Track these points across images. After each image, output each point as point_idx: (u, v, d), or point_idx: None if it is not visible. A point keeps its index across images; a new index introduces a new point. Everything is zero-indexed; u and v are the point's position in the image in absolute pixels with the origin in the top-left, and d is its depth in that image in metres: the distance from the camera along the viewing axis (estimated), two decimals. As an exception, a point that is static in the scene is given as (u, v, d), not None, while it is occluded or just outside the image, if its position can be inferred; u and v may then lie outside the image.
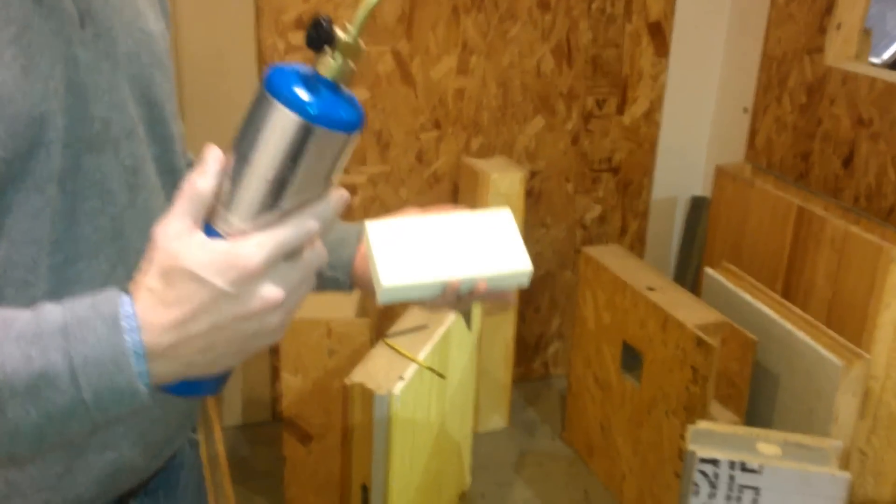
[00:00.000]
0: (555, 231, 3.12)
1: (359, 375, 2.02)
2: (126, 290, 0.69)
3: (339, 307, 2.47)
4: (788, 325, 2.35)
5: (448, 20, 2.73)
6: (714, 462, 1.93)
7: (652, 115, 3.09)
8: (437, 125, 2.84)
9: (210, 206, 0.69)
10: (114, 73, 0.83)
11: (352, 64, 0.69)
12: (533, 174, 2.99)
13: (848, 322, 2.34)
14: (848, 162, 2.56)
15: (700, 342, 2.24)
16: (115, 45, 0.83)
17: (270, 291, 0.67)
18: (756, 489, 1.93)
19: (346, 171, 2.77)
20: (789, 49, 2.77)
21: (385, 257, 0.93)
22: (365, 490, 2.04)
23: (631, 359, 2.56)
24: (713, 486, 1.95)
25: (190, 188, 0.68)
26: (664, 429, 2.39)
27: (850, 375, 2.21)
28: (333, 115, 0.67)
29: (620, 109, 3.05)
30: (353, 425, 2.01)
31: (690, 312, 2.35)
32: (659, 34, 3.00)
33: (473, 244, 0.97)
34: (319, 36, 0.68)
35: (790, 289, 2.57)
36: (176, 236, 0.67)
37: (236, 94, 2.57)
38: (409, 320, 2.27)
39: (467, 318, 2.46)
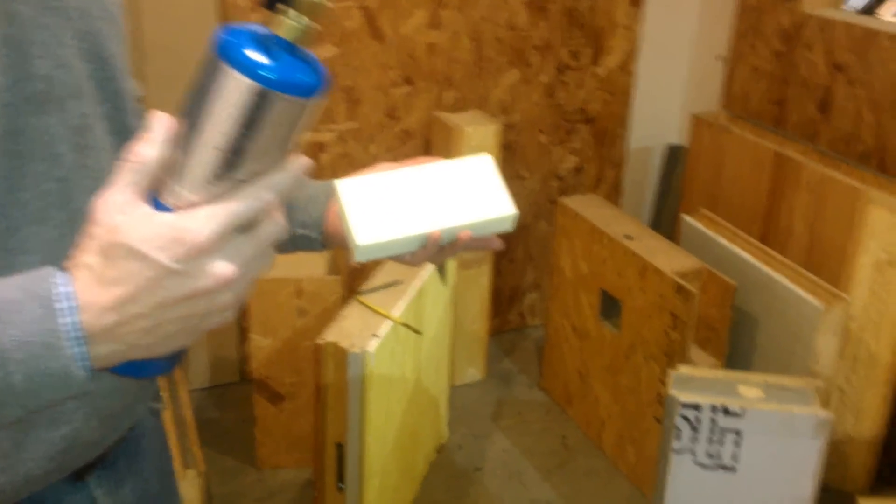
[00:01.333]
0: (530, 183, 3.09)
1: (332, 334, 1.99)
2: (64, 267, 0.64)
3: (310, 265, 2.43)
4: (767, 270, 2.35)
5: (419, -29, 2.68)
6: (696, 406, 1.93)
7: (627, 65, 3.07)
8: (409, 81, 2.80)
9: (156, 177, 0.64)
10: (60, 28, 0.78)
11: (313, 23, 0.64)
12: (508, 127, 2.96)
13: (826, 265, 2.33)
14: (825, 107, 2.55)
15: (679, 288, 2.23)
16: None
17: (221, 268, 0.63)
18: (738, 431, 1.92)
19: (315, 128, 2.72)
20: (765, -5, 2.75)
21: (359, 214, 0.89)
22: (340, 448, 2.02)
23: (609, 307, 2.55)
24: (695, 429, 1.95)
25: (134, 157, 0.63)
26: (643, 374, 2.39)
27: (830, 316, 2.21)
28: (291, 78, 0.62)
29: (595, 60, 3.02)
30: (327, 385, 1.98)
31: (669, 259, 2.34)
32: (633, -18, 2.97)
33: (452, 193, 0.93)
34: None
35: (768, 234, 2.56)
36: (117, 209, 0.62)
37: (196, 54, 2.50)
38: (382, 276, 2.24)
39: (442, 271, 2.44)
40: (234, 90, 0.61)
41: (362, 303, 2.13)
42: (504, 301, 3.22)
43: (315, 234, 1.01)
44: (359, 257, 0.90)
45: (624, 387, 2.49)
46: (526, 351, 3.17)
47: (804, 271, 2.31)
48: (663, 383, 2.26)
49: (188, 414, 2.22)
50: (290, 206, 0.98)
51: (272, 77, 0.61)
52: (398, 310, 2.11)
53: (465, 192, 0.93)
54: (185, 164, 0.63)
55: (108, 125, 0.85)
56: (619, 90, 3.09)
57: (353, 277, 2.74)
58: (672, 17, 3.08)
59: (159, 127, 0.63)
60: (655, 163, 3.29)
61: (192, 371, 2.86)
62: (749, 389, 1.96)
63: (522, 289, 3.25)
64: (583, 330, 2.66)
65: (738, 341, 2.46)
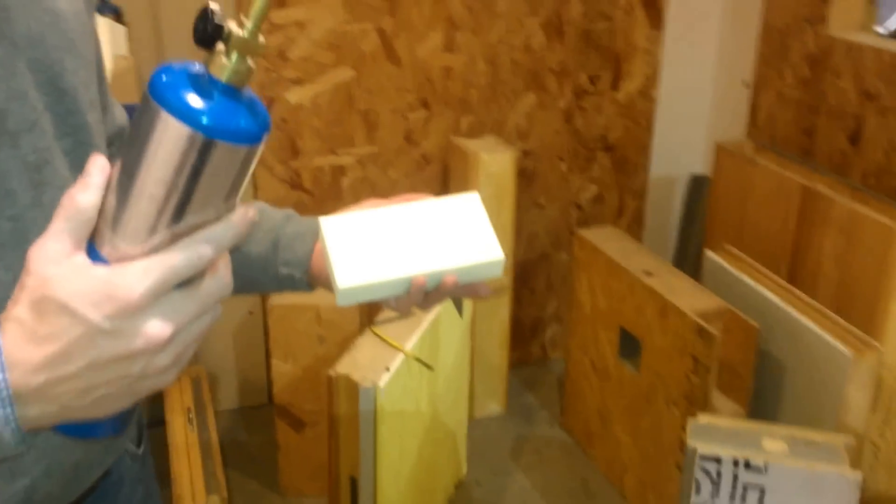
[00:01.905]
0: (549, 211, 3.01)
1: (344, 366, 1.96)
2: None
3: (328, 292, 2.39)
4: (794, 312, 2.25)
5: (433, -5, 2.62)
6: (716, 460, 1.84)
7: (647, 90, 2.98)
8: (425, 104, 2.73)
9: (94, 225, 0.60)
10: (10, 58, 0.72)
11: (250, 62, 0.59)
12: (525, 153, 2.88)
13: (857, 309, 2.23)
14: (855, 138, 2.45)
15: (701, 330, 2.14)
16: (12, 25, 0.73)
17: (155, 328, 0.59)
18: (761, 488, 1.83)
19: (335, 152, 2.67)
20: (791, 18, 2.65)
21: (341, 256, 0.86)
22: (354, 482, 1.99)
23: (629, 345, 2.46)
24: (716, 484, 1.86)
25: (70, 203, 0.60)
26: (664, 419, 2.30)
27: (861, 366, 2.11)
28: (229, 125, 0.57)
29: (615, 85, 2.93)
30: (339, 417, 1.96)
31: (690, 298, 2.25)
32: (653, 6, 2.88)
33: (439, 235, 0.89)
34: (207, 30, 0.58)
35: (796, 273, 2.47)
36: (51, 260, 0.59)
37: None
38: (398, 308, 2.18)
39: (458, 303, 2.37)
40: (168, 136, 0.56)
41: (376, 334, 2.08)
42: (525, 332, 3.14)
43: (299, 273, 0.97)
44: (341, 301, 0.86)
45: (645, 430, 2.40)
46: (548, 385, 3.08)
47: (833, 315, 2.21)
48: (685, 430, 2.17)
49: (213, 437, 2.24)
50: (274, 244, 0.96)
51: (210, 123, 0.56)
52: (411, 342, 2.06)
53: (452, 234, 0.89)
54: (122, 213, 0.59)
55: (69, 161, 0.79)
56: (640, 116, 3.00)
57: (372, 305, 2.68)
58: (693, 41, 2.99)
59: (97, 171, 0.60)
60: (679, 193, 3.19)
61: (222, 391, 2.86)
62: (774, 443, 1.86)
63: (544, 320, 3.17)
64: (602, 368, 2.57)
65: (762, 387, 2.37)
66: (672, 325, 2.23)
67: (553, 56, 2.82)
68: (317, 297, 2.37)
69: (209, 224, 0.60)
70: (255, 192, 2.63)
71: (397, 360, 1.99)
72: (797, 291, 2.32)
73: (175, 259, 0.59)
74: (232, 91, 0.59)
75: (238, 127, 0.58)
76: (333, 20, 2.54)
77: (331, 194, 2.71)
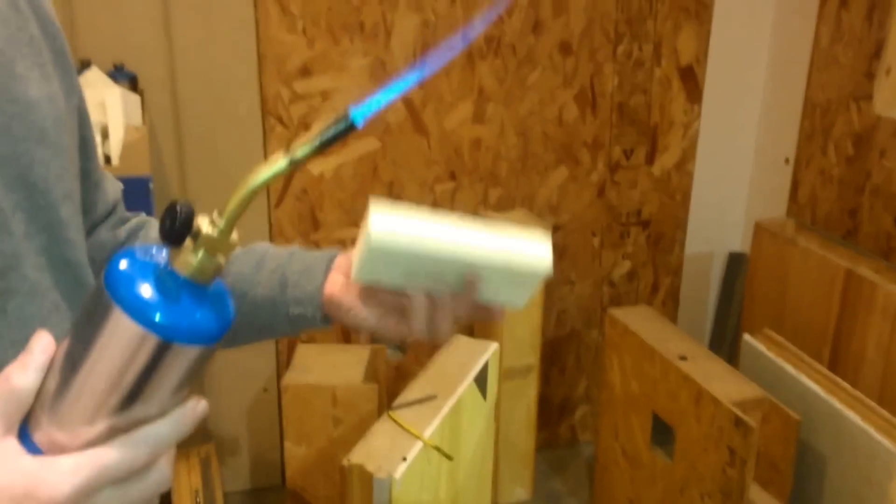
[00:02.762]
0: (580, 288, 2.92)
1: (358, 455, 1.85)
2: None
3: (346, 372, 2.33)
4: (836, 403, 2.12)
5: (462, 66, 2.56)
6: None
7: (684, 165, 2.89)
8: (453, 176, 2.66)
9: (29, 408, 0.56)
10: None
11: (220, 259, 0.55)
12: (556, 228, 2.80)
13: (903, 401, 2.10)
14: (901, 219, 2.34)
15: (738, 421, 2.02)
16: None
17: None
18: None
19: (357, 224, 2.60)
20: (834, 96, 2.56)
21: (383, 213, 0.76)
22: None
23: (662, 432, 2.34)
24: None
25: (5, 384, 0.56)
26: (698, 514, 2.17)
27: (908, 463, 1.97)
28: (184, 326, 0.53)
29: (650, 159, 2.85)
30: None
31: (727, 386, 2.13)
32: (691, 79, 2.80)
33: (491, 233, 0.79)
34: (173, 228, 0.54)
35: (837, 360, 2.34)
36: None
37: (239, 146, 2.44)
38: (418, 390, 2.10)
39: (482, 385, 2.28)
40: (117, 332, 0.53)
41: (394, 419, 1.99)
42: (553, 413, 3.03)
43: (311, 310, 0.90)
44: (361, 269, 0.78)
45: (677, 524, 2.27)
46: (576, 470, 2.95)
47: (877, 407, 2.08)
48: (719, 527, 2.04)
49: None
50: (281, 284, 0.92)
51: (162, 323, 0.52)
52: (431, 428, 1.96)
53: (504, 235, 0.80)
54: (60, 401, 0.55)
55: (44, 261, 0.74)
56: (675, 191, 2.91)
57: (391, 384, 2.60)
58: (733, 115, 2.90)
59: (39, 351, 0.56)
60: (716, 271, 3.08)
61: (233, 471, 2.77)
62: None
63: (573, 400, 3.05)
64: (634, 455, 2.45)
65: (803, 482, 2.23)
66: (707, 413, 2.12)
67: (586, 129, 2.74)
68: (332, 377, 2.30)
69: (151, 419, 0.56)
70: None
71: (415, 449, 1.89)
72: (839, 380, 2.20)
73: (108, 458, 0.55)
74: (194, 287, 0.55)
75: (194, 328, 0.54)
76: (359, 90, 2.49)
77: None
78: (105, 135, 1.95)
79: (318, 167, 2.52)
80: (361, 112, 0.58)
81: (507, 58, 2.59)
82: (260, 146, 2.45)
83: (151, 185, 1.94)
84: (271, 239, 2.54)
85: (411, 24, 2.48)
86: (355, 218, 2.60)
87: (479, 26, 0.71)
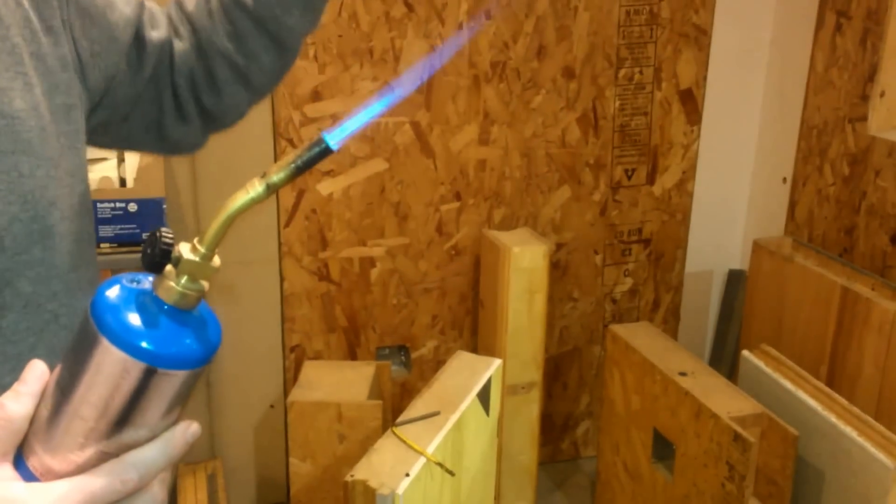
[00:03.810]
0: (583, 305, 2.97)
1: (362, 470, 1.87)
2: None
3: (351, 387, 2.34)
4: (833, 419, 2.17)
5: (469, 90, 2.62)
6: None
7: (684, 184, 2.94)
8: (458, 196, 2.72)
9: (24, 435, 0.57)
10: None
11: (203, 283, 0.57)
12: (559, 246, 2.85)
13: (899, 416, 2.15)
14: (896, 238, 2.39)
15: (737, 436, 2.06)
16: None
17: None
18: None
19: (364, 243, 2.66)
20: (830, 117, 2.62)
21: None
22: None
23: (663, 448, 2.38)
24: None
25: (1, 411, 0.57)
26: (699, 528, 2.21)
27: (903, 478, 2.01)
28: (169, 352, 0.55)
29: (650, 179, 2.90)
30: None
31: (726, 401, 2.17)
32: (690, 101, 2.86)
33: None
34: (154, 256, 0.56)
35: (835, 376, 2.38)
36: None
37: (251, 168, 2.45)
38: (422, 406, 2.13)
39: (485, 402, 2.32)
40: (105, 361, 0.54)
41: (397, 435, 2.02)
42: (556, 428, 3.07)
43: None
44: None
45: (678, 538, 2.30)
46: (578, 485, 2.99)
47: (874, 422, 2.12)
48: (718, 540, 2.08)
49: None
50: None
51: (148, 350, 0.54)
52: (434, 444, 1.99)
53: None
54: (52, 428, 0.57)
55: (37, 273, 0.77)
56: (676, 210, 2.96)
57: (396, 401, 2.64)
58: (731, 136, 2.96)
59: (33, 379, 0.58)
60: (716, 288, 3.13)
61: (239, 487, 2.78)
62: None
63: (576, 416, 3.09)
64: (635, 471, 2.49)
65: (801, 497, 2.27)
66: (706, 429, 2.16)
67: (589, 150, 2.80)
68: (337, 394, 2.32)
69: (143, 442, 0.57)
70: (282, 282, 2.61)
71: (418, 465, 1.92)
72: (837, 396, 2.24)
73: (96, 485, 0.55)
74: (179, 313, 0.56)
75: (179, 354, 0.55)
76: (368, 113, 2.55)
77: (359, 286, 2.69)
78: (121, 158, 2.01)
79: (327, 188, 2.58)
80: (335, 136, 0.59)
81: (511, 82, 2.65)
82: (271, 168, 2.50)
83: (165, 206, 1.99)
84: (281, 258, 2.59)
85: (419, 50, 2.54)
86: (362, 237, 2.66)
87: (444, 55, 0.75)
